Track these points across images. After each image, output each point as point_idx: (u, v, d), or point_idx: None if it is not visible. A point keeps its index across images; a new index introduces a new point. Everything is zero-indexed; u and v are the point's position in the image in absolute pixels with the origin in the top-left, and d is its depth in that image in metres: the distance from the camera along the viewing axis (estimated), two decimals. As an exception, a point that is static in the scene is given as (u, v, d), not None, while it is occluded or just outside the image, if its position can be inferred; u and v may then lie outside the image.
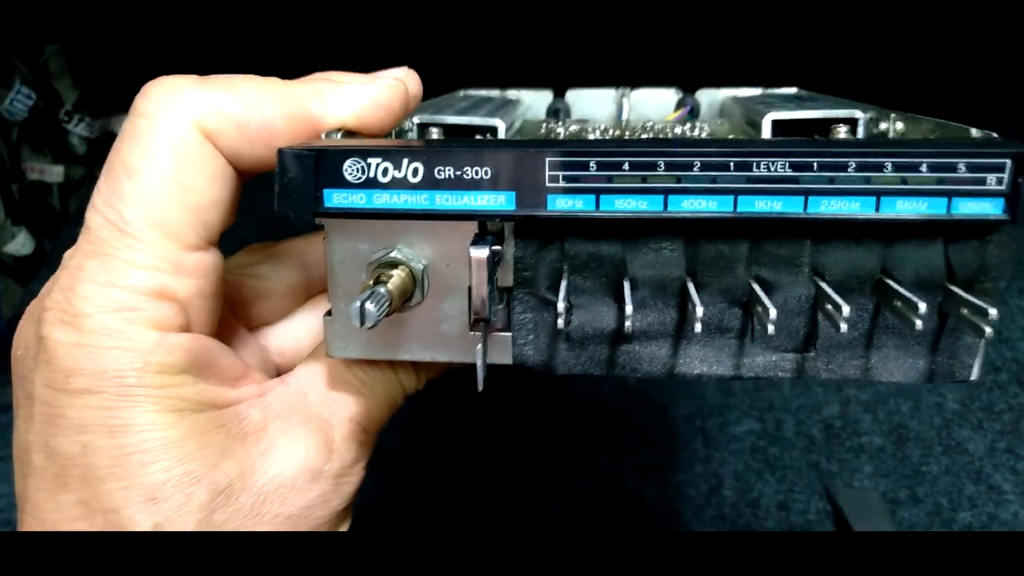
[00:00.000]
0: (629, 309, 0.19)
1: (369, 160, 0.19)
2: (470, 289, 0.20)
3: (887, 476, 0.67)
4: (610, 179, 0.18)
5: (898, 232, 0.19)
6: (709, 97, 0.37)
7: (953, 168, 0.18)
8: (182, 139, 0.20)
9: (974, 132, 0.22)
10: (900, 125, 0.25)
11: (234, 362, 0.23)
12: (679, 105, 0.36)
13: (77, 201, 1.00)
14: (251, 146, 0.21)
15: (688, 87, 0.36)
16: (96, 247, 0.20)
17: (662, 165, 0.18)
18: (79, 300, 0.20)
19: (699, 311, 0.18)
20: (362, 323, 0.18)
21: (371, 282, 0.20)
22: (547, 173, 0.19)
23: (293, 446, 0.22)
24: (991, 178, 0.18)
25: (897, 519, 0.64)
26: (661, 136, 0.29)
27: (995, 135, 0.20)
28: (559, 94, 0.37)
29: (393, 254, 0.20)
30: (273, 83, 0.22)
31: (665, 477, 0.67)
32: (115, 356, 0.20)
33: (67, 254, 0.22)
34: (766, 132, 0.26)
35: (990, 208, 0.18)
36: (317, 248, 0.27)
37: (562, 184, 0.19)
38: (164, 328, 0.21)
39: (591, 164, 0.18)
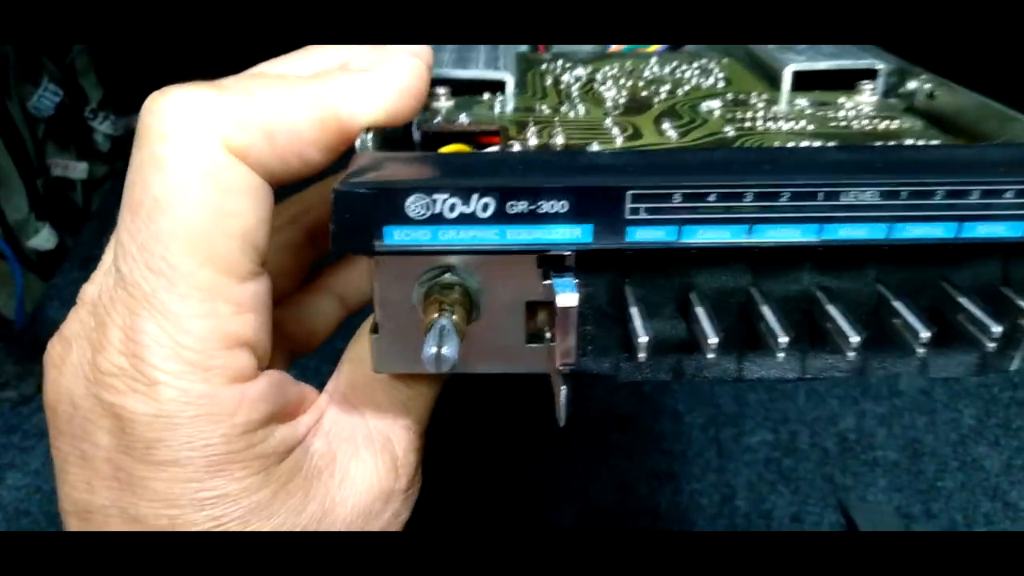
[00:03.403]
0: (713, 338, 0.18)
1: (435, 196, 0.17)
2: (529, 305, 0.19)
3: (901, 491, 0.66)
4: (695, 210, 0.17)
5: (965, 249, 0.19)
6: None
7: None
8: (214, 161, 0.18)
9: None
10: (929, 88, 0.25)
11: (296, 390, 0.22)
12: None
13: (100, 198, 1.01)
14: (282, 158, 0.19)
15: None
16: (143, 303, 0.18)
17: (750, 196, 0.17)
18: (149, 368, 0.18)
19: (780, 337, 0.18)
20: (439, 369, 0.17)
21: (434, 313, 0.18)
22: (628, 206, 0.17)
23: (364, 470, 0.22)
24: None
25: (911, 534, 0.63)
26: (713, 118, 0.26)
27: None
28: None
29: (448, 276, 0.19)
30: (294, 84, 0.20)
31: (679, 484, 0.67)
32: (199, 425, 0.18)
33: (97, 303, 0.19)
34: (786, 84, 0.26)
35: None
36: (352, 275, 0.27)
37: (643, 216, 0.17)
38: (242, 379, 0.19)
39: (675, 196, 0.17)
